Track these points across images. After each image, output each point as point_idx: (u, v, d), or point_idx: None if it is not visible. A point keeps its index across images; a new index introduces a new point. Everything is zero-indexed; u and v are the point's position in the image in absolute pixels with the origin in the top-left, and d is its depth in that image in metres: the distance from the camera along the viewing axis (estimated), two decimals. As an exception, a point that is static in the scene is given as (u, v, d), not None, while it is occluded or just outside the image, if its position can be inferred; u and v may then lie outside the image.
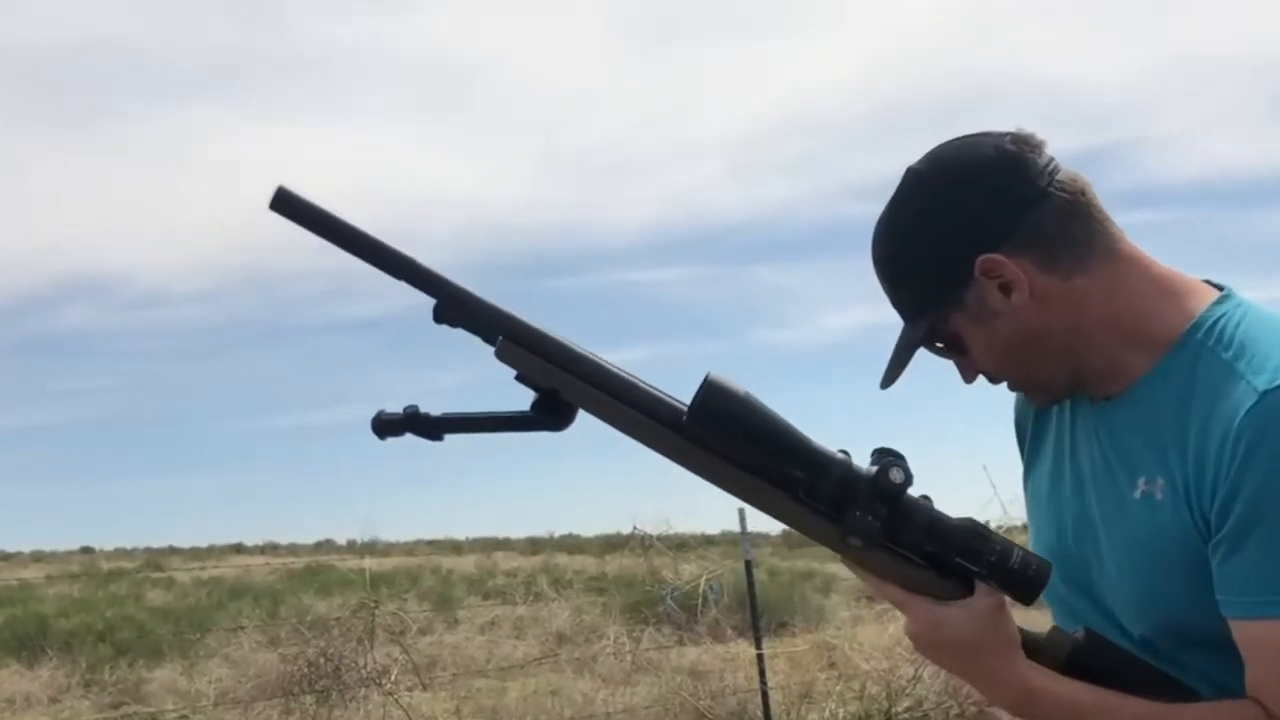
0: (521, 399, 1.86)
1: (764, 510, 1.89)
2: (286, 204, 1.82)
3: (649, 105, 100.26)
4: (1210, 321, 2.06)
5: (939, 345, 2.17)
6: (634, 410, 1.84)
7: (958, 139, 2.14)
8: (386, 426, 1.82)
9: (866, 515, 1.86)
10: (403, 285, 1.86)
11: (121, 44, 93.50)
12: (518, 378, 1.84)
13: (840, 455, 1.88)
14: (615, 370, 1.85)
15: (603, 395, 1.83)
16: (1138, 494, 2.05)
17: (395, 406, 1.83)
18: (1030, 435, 2.41)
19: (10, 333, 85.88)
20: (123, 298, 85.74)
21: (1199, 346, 2.04)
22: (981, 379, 2.21)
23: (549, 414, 1.86)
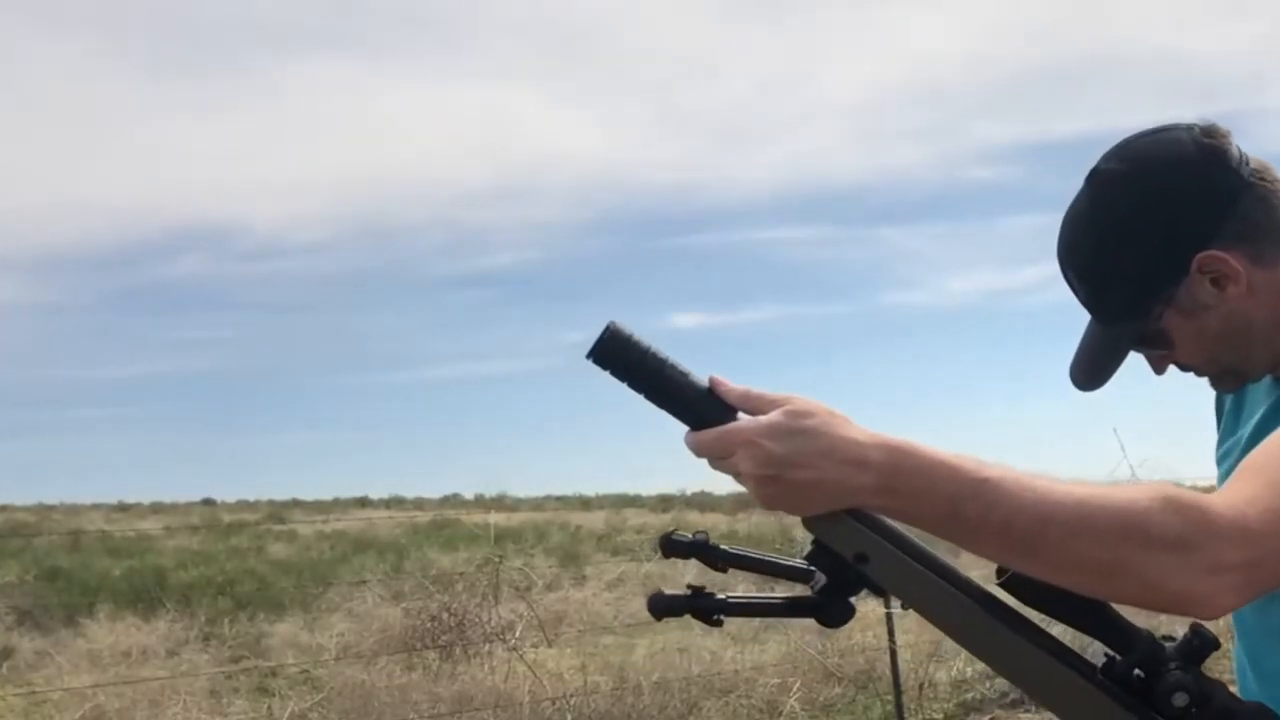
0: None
1: (1052, 698, 1.77)
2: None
3: (769, 69, 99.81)
4: None
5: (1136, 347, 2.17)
6: (942, 581, 1.76)
7: (1145, 135, 2.15)
8: (674, 546, 1.80)
9: (1184, 674, 1.73)
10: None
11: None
12: (814, 549, 1.79)
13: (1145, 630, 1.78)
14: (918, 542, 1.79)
15: (912, 563, 1.76)
16: None
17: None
18: (1225, 415, 2.40)
19: (125, 281, 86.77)
20: (238, 248, 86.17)
21: None
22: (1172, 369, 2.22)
23: (832, 597, 1.80)
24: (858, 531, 1.73)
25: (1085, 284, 2.17)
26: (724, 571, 1.82)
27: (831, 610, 1.79)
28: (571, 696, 12.29)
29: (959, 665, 13.58)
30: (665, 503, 41.58)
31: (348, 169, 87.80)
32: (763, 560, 1.84)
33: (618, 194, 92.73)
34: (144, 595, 19.72)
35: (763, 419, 1.70)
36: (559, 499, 44.62)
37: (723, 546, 1.80)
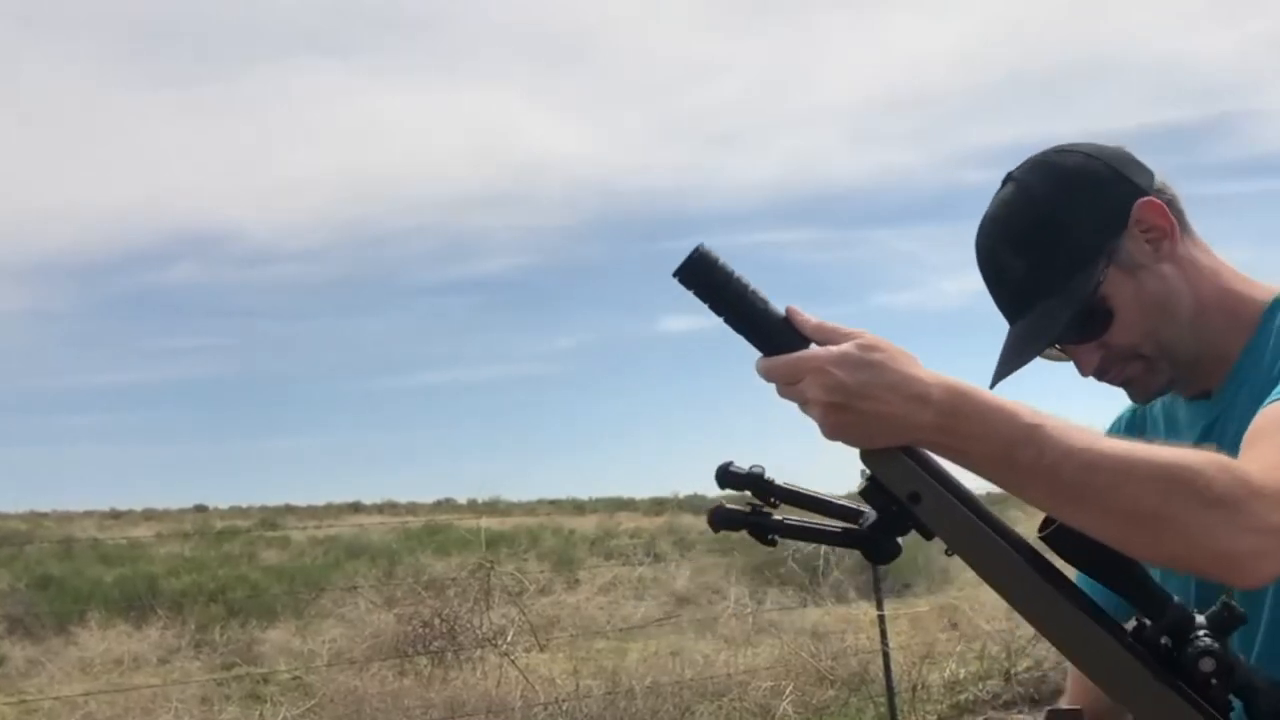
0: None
1: (1082, 655, 1.81)
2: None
3: (763, 73, 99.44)
4: None
5: (1073, 328, 2.19)
6: (988, 528, 1.79)
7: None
8: (729, 478, 1.84)
9: (1212, 643, 1.76)
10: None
11: (230, 2, 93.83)
12: (868, 485, 1.81)
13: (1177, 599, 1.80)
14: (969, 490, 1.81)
15: (961, 507, 1.78)
16: None
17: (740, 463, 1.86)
18: None
19: (117, 288, 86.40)
20: (231, 254, 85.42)
21: None
22: (1090, 384, 2.26)
23: (882, 533, 1.83)
24: (912, 471, 1.77)
25: (1027, 251, 2.20)
26: (775, 507, 1.84)
27: (881, 547, 1.83)
28: (564, 701, 12.30)
29: (951, 667, 13.66)
30: (659, 506, 41.55)
31: (341, 175, 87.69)
32: (815, 497, 1.86)
33: (611, 198, 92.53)
34: (136, 602, 19.64)
35: (834, 349, 1.74)
36: (552, 503, 44.50)
37: (776, 481, 1.83)
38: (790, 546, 19.95)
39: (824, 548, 18.88)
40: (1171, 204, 2.19)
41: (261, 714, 13.41)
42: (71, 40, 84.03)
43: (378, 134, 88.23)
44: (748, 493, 1.84)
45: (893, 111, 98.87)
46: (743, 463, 1.85)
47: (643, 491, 45.36)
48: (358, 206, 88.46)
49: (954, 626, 16.11)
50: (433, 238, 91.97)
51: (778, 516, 1.83)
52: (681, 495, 42.38)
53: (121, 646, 17.27)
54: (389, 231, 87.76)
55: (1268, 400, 1.97)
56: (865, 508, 1.84)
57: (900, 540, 1.83)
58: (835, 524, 1.86)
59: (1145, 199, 2.16)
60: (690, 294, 1.78)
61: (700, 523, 33.42)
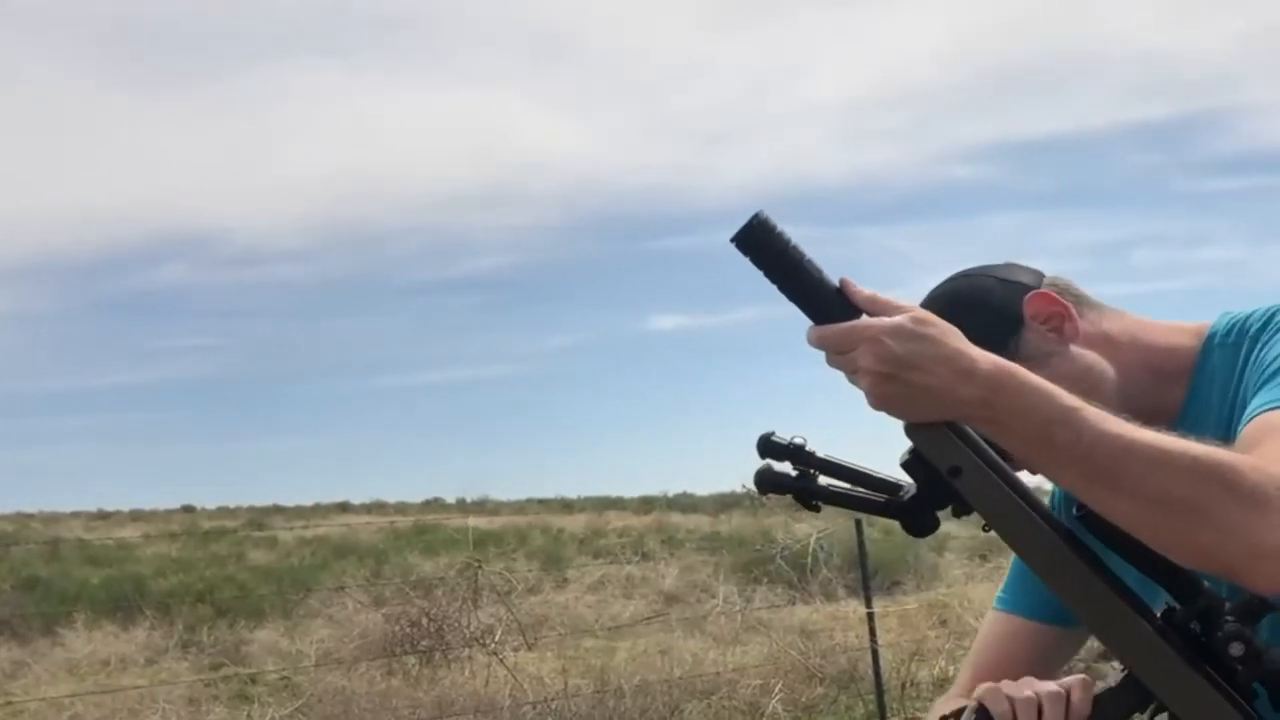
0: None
1: (1112, 635, 1.84)
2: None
3: (750, 72, 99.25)
4: (1222, 328, 2.25)
5: None
6: (1026, 504, 1.82)
7: None
8: (771, 447, 1.86)
9: (1242, 627, 1.79)
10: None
11: (228, 2, 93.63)
12: (910, 458, 1.84)
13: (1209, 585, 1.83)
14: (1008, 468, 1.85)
15: (1001, 484, 1.81)
16: None
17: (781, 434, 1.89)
18: None
19: (105, 289, 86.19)
20: (220, 255, 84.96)
21: (1220, 347, 2.23)
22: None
23: (921, 506, 1.86)
24: (955, 445, 1.79)
25: None
26: (814, 478, 1.86)
27: (920, 520, 1.85)
28: (552, 700, 12.28)
29: (940, 664, 13.65)
30: (647, 505, 41.57)
31: (330, 175, 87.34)
32: (855, 470, 1.88)
33: (601, 197, 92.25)
34: (123, 603, 19.55)
35: (887, 320, 1.76)
36: (541, 502, 44.48)
37: (819, 454, 1.85)
38: (778, 545, 20.01)
39: (814, 545, 19.04)
40: (1065, 290, 2.28)
41: (249, 714, 13.39)
42: (69, 40, 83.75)
43: (374, 134, 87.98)
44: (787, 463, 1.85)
45: (882, 109, 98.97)
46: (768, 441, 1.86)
47: (631, 490, 45.43)
48: (347, 206, 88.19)
49: (943, 623, 16.08)
50: (423, 237, 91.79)
51: (825, 481, 1.85)
52: (670, 494, 42.50)
53: (108, 648, 17.24)
54: (378, 231, 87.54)
55: (1247, 415, 1.99)
56: (905, 481, 1.85)
57: (940, 515, 1.85)
58: (877, 495, 1.88)
59: (1031, 293, 2.25)
60: (747, 261, 1.79)
61: (690, 521, 33.52)
